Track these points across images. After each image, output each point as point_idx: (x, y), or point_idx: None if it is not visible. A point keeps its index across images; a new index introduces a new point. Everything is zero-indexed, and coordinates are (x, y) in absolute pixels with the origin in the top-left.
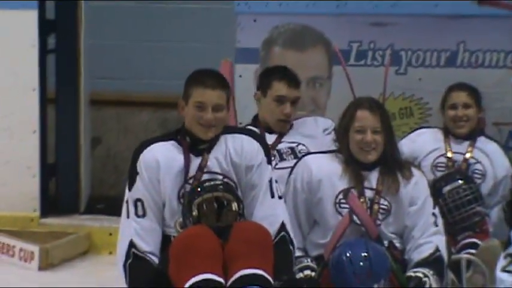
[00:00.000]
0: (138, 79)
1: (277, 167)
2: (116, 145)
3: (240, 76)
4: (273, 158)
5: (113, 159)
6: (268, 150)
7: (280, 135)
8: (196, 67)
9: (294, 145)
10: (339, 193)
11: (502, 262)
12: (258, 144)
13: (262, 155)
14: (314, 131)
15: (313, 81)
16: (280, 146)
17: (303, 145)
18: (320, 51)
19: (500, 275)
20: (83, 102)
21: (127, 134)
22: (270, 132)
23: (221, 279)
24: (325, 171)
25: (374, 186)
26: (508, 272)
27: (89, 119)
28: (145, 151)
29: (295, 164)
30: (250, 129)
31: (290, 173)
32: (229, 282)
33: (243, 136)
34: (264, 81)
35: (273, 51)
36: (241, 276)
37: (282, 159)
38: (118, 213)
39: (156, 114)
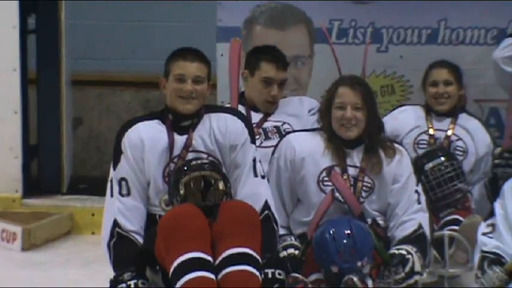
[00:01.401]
0: (120, 59)
1: (262, 145)
2: (97, 125)
3: (222, 55)
4: (258, 137)
5: (95, 140)
6: (252, 129)
7: (266, 115)
8: (178, 46)
9: (279, 124)
10: (322, 171)
11: (483, 229)
12: (242, 123)
13: (246, 135)
14: (299, 111)
15: (295, 60)
16: (265, 125)
17: (288, 124)
18: (301, 30)
19: (482, 238)
20: (64, 83)
21: (109, 114)
22: (256, 111)
23: (210, 258)
24: (308, 149)
25: (357, 164)
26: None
27: (71, 100)
28: (129, 130)
29: (278, 142)
30: (235, 109)
31: (273, 152)
32: (217, 261)
33: (227, 115)
34: (252, 61)
35: (255, 30)
36: (229, 255)
37: (267, 137)
38: (100, 193)
39: (138, 94)
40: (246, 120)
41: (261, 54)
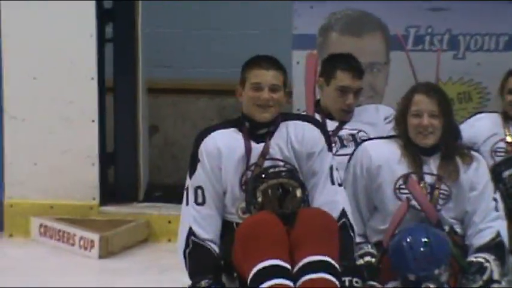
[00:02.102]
0: (195, 67)
1: (338, 153)
2: (173, 133)
3: (298, 63)
4: (333, 145)
5: (171, 147)
6: (328, 137)
7: (342, 122)
8: (253, 54)
9: (354, 132)
10: (399, 178)
11: None
12: (319, 131)
13: (323, 143)
14: (375, 119)
15: (371, 67)
16: (341, 133)
17: (364, 132)
18: (377, 36)
19: None
20: (140, 91)
21: (184, 122)
22: (331, 119)
23: (288, 265)
24: (385, 156)
25: (434, 171)
26: None
27: (147, 108)
28: (206, 139)
29: (355, 150)
30: (311, 116)
31: (349, 160)
32: (295, 269)
33: (304, 123)
34: (328, 69)
35: (330, 38)
36: (307, 263)
37: (342, 145)
38: (176, 201)
39: (213, 101)
40: (322, 128)
41: (336, 62)
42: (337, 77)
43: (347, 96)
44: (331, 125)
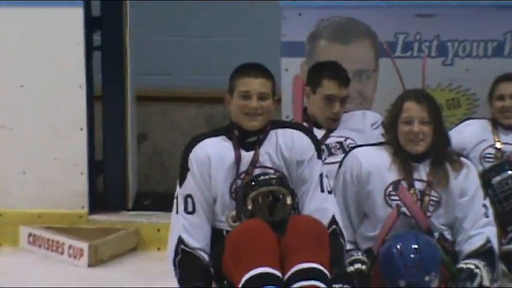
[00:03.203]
0: (184, 75)
1: (326, 161)
2: (162, 141)
3: (287, 70)
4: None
5: (159, 156)
6: (318, 144)
7: (329, 130)
8: (241, 62)
9: (342, 139)
10: (389, 185)
11: None
12: (309, 138)
13: (312, 150)
14: (362, 125)
15: (360, 74)
16: (328, 141)
17: (351, 139)
18: (366, 43)
19: None
20: (129, 99)
21: (173, 130)
22: (319, 127)
23: (279, 273)
24: (375, 163)
25: (424, 177)
26: None
27: (135, 116)
28: (196, 147)
29: (344, 156)
30: (300, 124)
31: (339, 166)
32: (286, 276)
33: (294, 131)
34: (314, 78)
35: (319, 45)
36: (298, 270)
37: (330, 154)
38: (165, 209)
39: (202, 109)
40: (312, 135)
41: (322, 71)
42: (324, 86)
43: (333, 104)
44: (318, 134)
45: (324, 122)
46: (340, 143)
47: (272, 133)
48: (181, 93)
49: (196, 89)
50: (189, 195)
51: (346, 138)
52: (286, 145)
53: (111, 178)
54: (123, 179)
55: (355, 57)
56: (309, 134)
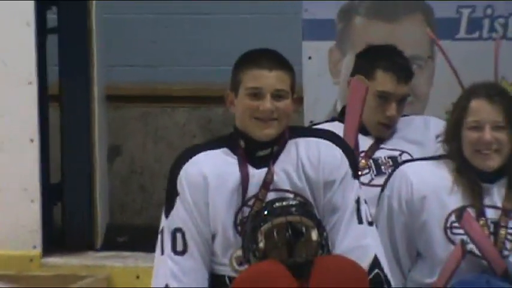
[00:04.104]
0: (171, 65)
1: (372, 183)
2: (142, 156)
3: (310, 58)
4: (367, 171)
5: (139, 176)
6: (354, 159)
7: (379, 140)
8: (249, 47)
9: (396, 154)
10: (450, 214)
11: None
12: (341, 151)
13: (346, 167)
14: (423, 136)
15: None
16: (378, 154)
17: (409, 155)
18: (418, 21)
19: None
20: (96, 99)
21: (157, 141)
22: (366, 134)
23: None
24: (431, 184)
25: (498, 203)
26: None
27: (105, 122)
28: (187, 164)
29: (390, 175)
30: (329, 131)
31: (382, 189)
32: None
33: (320, 141)
34: (365, 67)
35: (354, 24)
36: None
37: (379, 172)
38: (146, 249)
39: (197, 112)
40: (345, 146)
41: (376, 58)
42: (377, 79)
43: (388, 105)
44: (364, 143)
45: (373, 127)
46: (394, 158)
47: (291, 144)
48: (167, 90)
49: (187, 85)
50: (179, 230)
51: (402, 153)
52: (310, 160)
53: (72, 207)
54: (88, 208)
55: (404, 40)
56: (342, 144)
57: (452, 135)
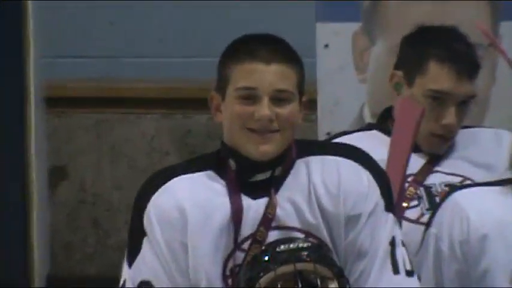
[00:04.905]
0: (135, 56)
1: (422, 219)
2: (95, 181)
3: (326, 46)
4: (416, 203)
5: (91, 207)
6: (387, 185)
7: (433, 158)
8: (241, 32)
9: (457, 180)
10: None
11: None
12: (369, 174)
13: (376, 196)
14: (495, 157)
15: None
16: (431, 180)
17: (473, 181)
18: None
19: None
20: (32, 103)
21: (116, 160)
22: (414, 150)
23: None
24: (495, 219)
25: None
26: None
27: (45, 133)
28: (158, 193)
29: (438, 206)
30: (353, 147)
31: (428, 225)
32: None
33: (341, 160)
34: (413, 56)
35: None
36: None
37: (433, 205)
38: None
39: (170, 121)
40: (375, 167)
41: (429, 46)
42: (430, 74)
43: (446, 110)
44: (413, 163)
45: (424, 140)
46: (453, 186)
47: (300, 165)
48: (129, 91)
49: (157, 83)
50: (146, 283)
51: (465, 179)
52: (327, 187)
53: (1, 252)
54: (22, 252)
55: (457, 22)
56: (370, 164)
57: None
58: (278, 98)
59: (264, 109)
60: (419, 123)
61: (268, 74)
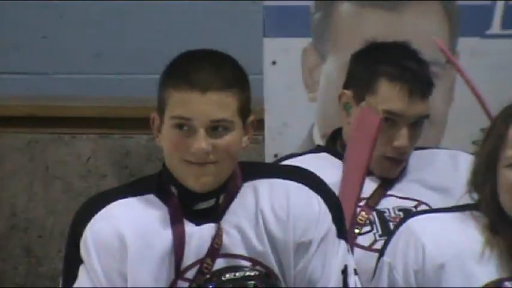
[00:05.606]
0: (69, 72)
1: (375, 246)
2: (27, 205)
3: (274, 63)
4: (368, 228)
5: (23, 234)
6: (339, 210)
7: (385, 182)
8: (182, 48)
9: (411, 205)
10: None
11: None
12: (320, 198)
13: (328, 222)
14: (451, 180)
15: None
16: (384, 205)
17: (428, 206)
18: (432, 10)
19: None
20: None
21: (49, 183)
22: (367, 174)
23: None
24: (452, 248)
25: None
26: None
27: None
28: (95, 219)
29: (393, 233)
30: (303, 170)
31: (382, 253)
32: None
33: (290, 184)
34: (362, 74)
35: (339, 12)
36: None
37: (385, 231)
38: None
39: (107, 142)
40: (326, 190)
41: (379, 63)
42: (380, 93)
43: (397, 131)
44: (364, 187)
45: (376, 163)
46: (407, 211)
47: (247, 189)
48: (63, 109)
49: (94, 102)
50: None
51: (419, 204)
52: (275, 212)
53: None
54: None
55: (411, 37)
56: (321, 188)
57: (484, 177)
58: (215, 128)
59: (200, 142)
60: (378, 134)
61: (204, 104)
